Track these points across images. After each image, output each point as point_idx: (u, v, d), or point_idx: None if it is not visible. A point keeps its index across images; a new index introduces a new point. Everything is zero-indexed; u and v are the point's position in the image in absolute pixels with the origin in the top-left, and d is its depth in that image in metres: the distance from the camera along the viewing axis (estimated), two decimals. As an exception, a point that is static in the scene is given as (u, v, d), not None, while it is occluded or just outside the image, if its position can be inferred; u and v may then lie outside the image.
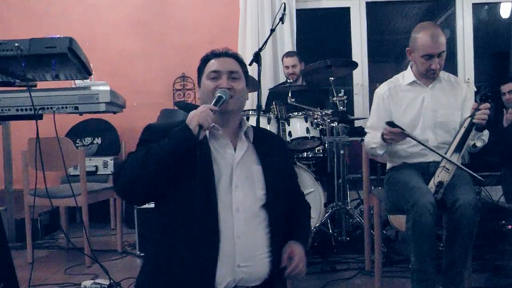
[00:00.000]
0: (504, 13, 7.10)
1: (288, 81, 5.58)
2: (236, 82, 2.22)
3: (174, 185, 2.04)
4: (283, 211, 2.23)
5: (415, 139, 3.20)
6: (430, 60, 3.26)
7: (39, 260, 4.43)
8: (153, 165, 1.98)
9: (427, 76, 3.36)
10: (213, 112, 2.03)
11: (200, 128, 1.95)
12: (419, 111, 3.37)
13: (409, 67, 3.48)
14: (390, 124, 3.12)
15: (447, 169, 3.07)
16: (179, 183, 2.03)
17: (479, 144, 3.27)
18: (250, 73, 4.46)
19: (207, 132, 2.11)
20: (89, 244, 4.05)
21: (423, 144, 3.20)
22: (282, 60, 5.79)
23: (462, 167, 3.08)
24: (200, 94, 2.31)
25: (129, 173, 2.03)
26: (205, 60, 2.29)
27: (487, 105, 3.04)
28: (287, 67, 5.63)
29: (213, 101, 2.09)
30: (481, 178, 3.09)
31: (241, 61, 2.32)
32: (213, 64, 2.25)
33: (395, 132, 3.10)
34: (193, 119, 1.98)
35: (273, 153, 2.29)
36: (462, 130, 3.12)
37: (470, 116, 3.09)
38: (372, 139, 3.37)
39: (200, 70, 2.30)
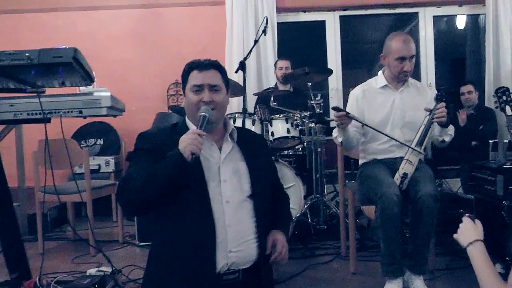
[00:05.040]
0: (460, 24, 7.19)
1: (280, 81, 5.64)
2: (216, 94, 2.20)
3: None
4: (267, 201, 2.25)
5: (361, 122, 3.26)
6: (403, 63, 3.31)
7: (49, 251, 4.42)
8: (153, 190, 2.01)
9: (399, 78, 3.39)
10: (201, 136, 2.03)
11: (193, 155, 1.97)
12: (389, 111, 3.40)
13: (380, 72, 3.51)
14: (336, 109, 3.13)
15: (410, 161, 3.13)
16: (175, 188, 2.05)
17: (447, 139, 3.32)
18: (236, 80, 4.53)
19: None
20: (93, 235, 4.04)
21: (374, 129, 3.27)
22: (276, 63, 5.82)
23: (415, 149, 3.15)
24: (184, 103, 2.31)
25: (132, 195, 2.05)
26: (188, 70, 2.26)
27: (443, 104, 3.11)
28: (281, 68, 5.65)
29: (199, 123, 2.09)
30: (423, 152, 3.19)
31: (221, 69, 2.29)
32: (195, 77, 2.22)
33: (341, 116, 3.11)
34: (186, 148, 1.97)
35: (256, 150, 2.32)
36: (422, 127, 3.19)
37: (429, 114, 3.15)
38: (335, 130, 3.39)
39: (184, 79, 2.28)
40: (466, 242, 1.86)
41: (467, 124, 5.39)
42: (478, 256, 1.80)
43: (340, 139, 3.36)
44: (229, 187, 2.13)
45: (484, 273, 1.74)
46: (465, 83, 5.66)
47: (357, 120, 3.21)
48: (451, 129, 3.31)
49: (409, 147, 3.15)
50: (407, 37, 3.33)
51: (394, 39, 3.33)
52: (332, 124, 5.26)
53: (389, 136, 3.27)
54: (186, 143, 1.99)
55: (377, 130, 3.27)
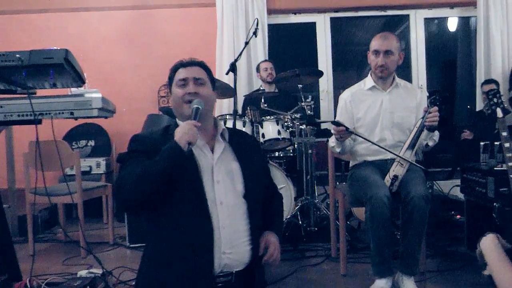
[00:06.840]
0: (451, 26, 7.22)
1: (267, 82, 5.67)
2: (201, 87, 2.23)
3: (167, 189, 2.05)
4: (260, 203, 2.26)
5: (360, 136, 3.28)
6: (377, 57, 3.35)
7: (40, 253, 4.42)
8: (150, 183, 1.99)
9: (376, 74, 3.42)
10: (197, 127, 2.05)
11: (189, 145, 1.98)
12: (378, 112, 3.42)
13: (369, 74, 3.53)
14: (336, 123, 3.15)
15: (401, 164, 3.13)
16: (170, 186, 2.04)
17: (431, 143, 3.33)
18: (226, 82, 4.54)
19: None
20: (84, 237, 4.04)
21: (368, 140, 3.27)
22: (259, 66, 5.85)
23: (410, 160, 3.13)
24: (171, 101, 2.34)
25: (129, 192, 2.02)
26: (174, 70, 2.30)
27: (436, 108, 3.11)
28: (266, 69, 5.70)
29: (192, 115, 2.12)
30: (425, 168, 3.23)
31: (206, 68, 2.33)
32: (180, 73, 2.26)
33: (340, 130, 3.14)
34: (182, 138, 1.99)
35: (248, 151, 2.32)
36: (415, 130, 3.19)
37: (422, 118, 3.16)
38: (331, 139, 3.42)
39: (170, 79, 2.31)
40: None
41: (485, 122, 5.35)
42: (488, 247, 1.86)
43: (338, 150, 3.40)
44: (222, 188, 2.14)
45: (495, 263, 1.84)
46: (488, 82, 5.64)
47: (357, 135, 3.25)
48: (436, 134, 3.33)
49: (397, 155, 3.15)
50: (386, 34, 3.39)
51: (375, 36, 3.41)
52: (323, 126, 5.30)
53: (384, 148, 3.27)
54: (182, 133, 2.01)
55: (377, 145, 3.27)
